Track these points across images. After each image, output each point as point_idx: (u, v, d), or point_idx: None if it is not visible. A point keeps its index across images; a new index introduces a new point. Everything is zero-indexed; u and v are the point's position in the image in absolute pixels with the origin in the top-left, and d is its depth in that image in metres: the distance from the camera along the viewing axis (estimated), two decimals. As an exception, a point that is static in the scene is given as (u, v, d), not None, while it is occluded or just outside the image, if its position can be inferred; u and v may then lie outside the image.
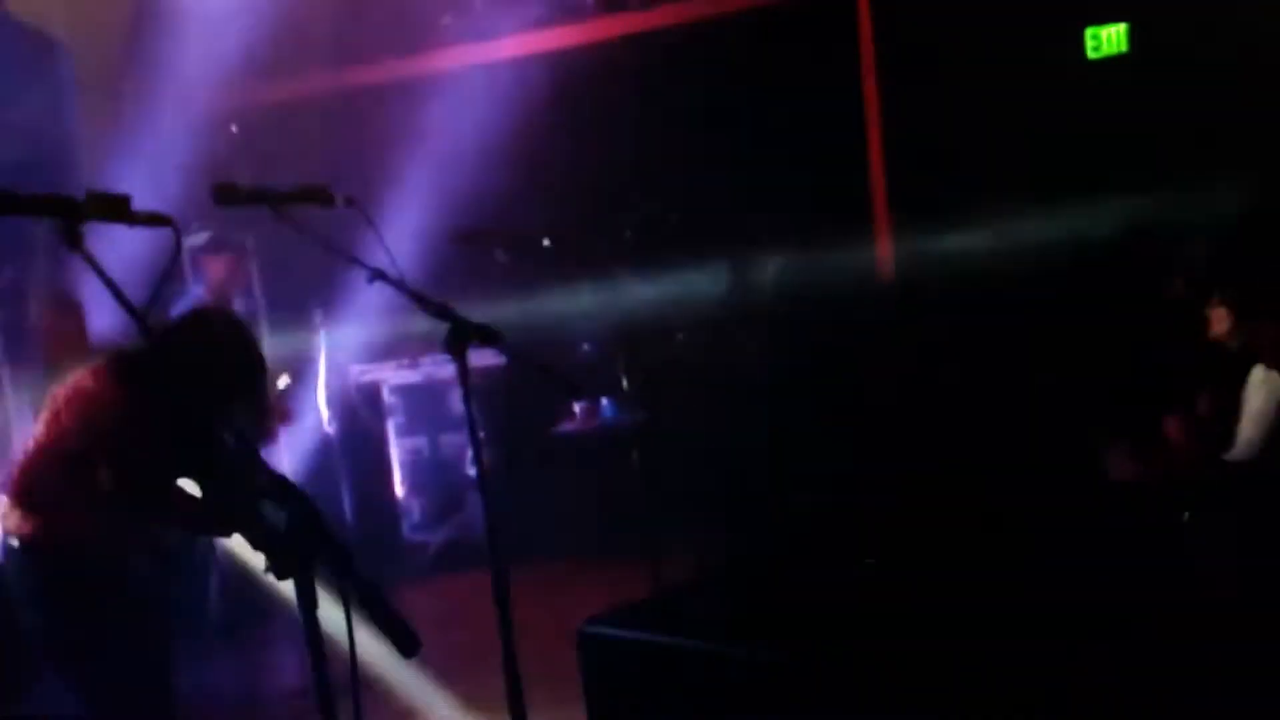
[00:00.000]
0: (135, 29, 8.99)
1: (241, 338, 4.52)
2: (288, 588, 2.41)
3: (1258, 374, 4.99)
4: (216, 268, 7.43)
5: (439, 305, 3.68)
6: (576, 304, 7.40)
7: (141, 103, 8.80)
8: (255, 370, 4.58)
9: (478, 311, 3.70)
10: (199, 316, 4.35)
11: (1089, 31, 8.18)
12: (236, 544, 7.05)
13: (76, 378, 4.44)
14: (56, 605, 4.36)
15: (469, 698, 6.02)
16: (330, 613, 2.39)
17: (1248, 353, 5.04)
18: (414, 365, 8.79)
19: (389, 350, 8.69)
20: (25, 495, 4.36)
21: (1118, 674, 2.74)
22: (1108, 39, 8.14)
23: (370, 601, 2.26)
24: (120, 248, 3.14)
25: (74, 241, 2.57)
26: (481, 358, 6.90)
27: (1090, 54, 8.23)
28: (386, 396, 8.91)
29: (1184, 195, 7.33)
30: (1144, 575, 3.05)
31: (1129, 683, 2.74)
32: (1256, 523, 3.70)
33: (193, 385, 3.83)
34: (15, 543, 4.37)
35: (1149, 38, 8.03)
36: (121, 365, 4.40)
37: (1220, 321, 5.09)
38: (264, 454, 2.51)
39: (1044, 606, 2.93)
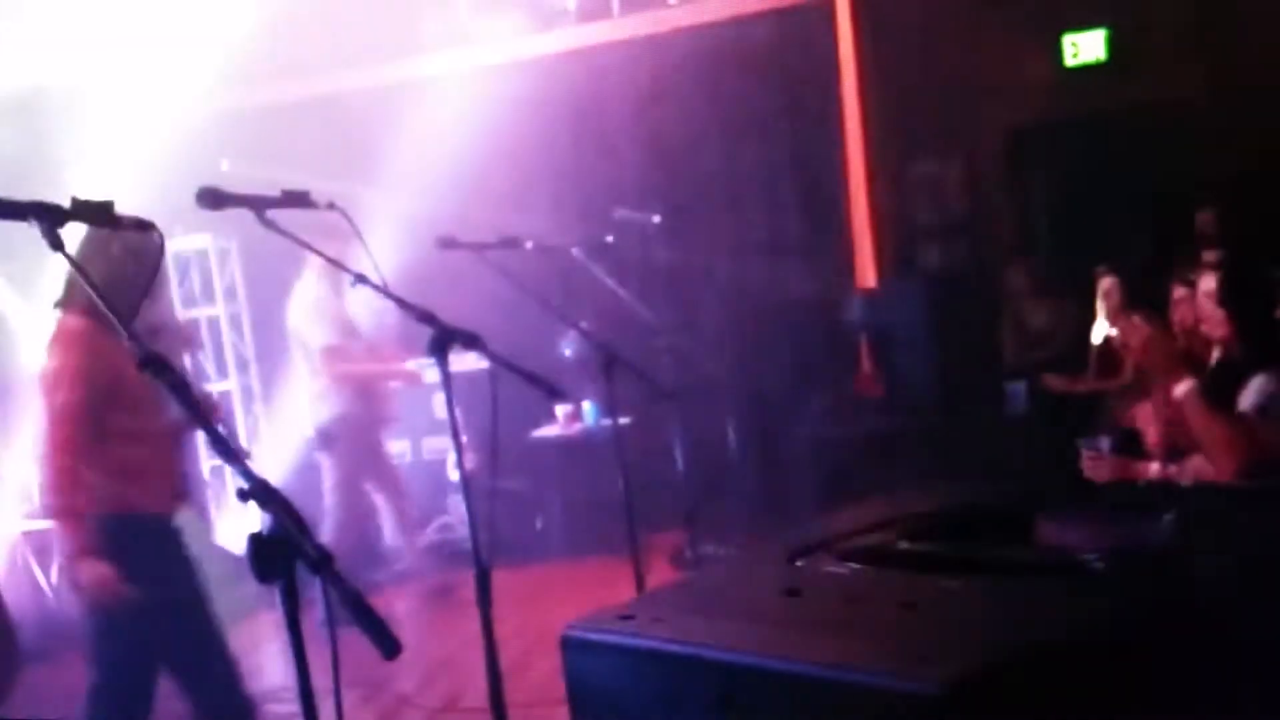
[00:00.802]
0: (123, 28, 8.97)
1: (133, 239, 4.51)
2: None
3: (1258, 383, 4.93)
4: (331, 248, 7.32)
5: (422, 309, 3.69)
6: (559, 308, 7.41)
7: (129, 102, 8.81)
8: (155, 263, 4.62)
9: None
10: (91, 236, 4.41)
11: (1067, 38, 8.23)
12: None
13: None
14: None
15: (451, 699, 6.03)
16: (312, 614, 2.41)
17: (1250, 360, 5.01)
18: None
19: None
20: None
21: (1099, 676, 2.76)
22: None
23: (351, 603, 2.27)
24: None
25: (57, 246, 2.59)
26: (464, 362, 6.92)
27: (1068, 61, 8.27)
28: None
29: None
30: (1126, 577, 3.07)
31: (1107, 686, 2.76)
32: (1239, 526, 3.73)
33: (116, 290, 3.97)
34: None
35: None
36: (76, 307, 4.52)
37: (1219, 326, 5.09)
38: (247, 460, 2.53)
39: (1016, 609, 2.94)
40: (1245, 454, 4.53)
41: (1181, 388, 4.54)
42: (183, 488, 4.86)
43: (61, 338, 4.52)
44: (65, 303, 4.58)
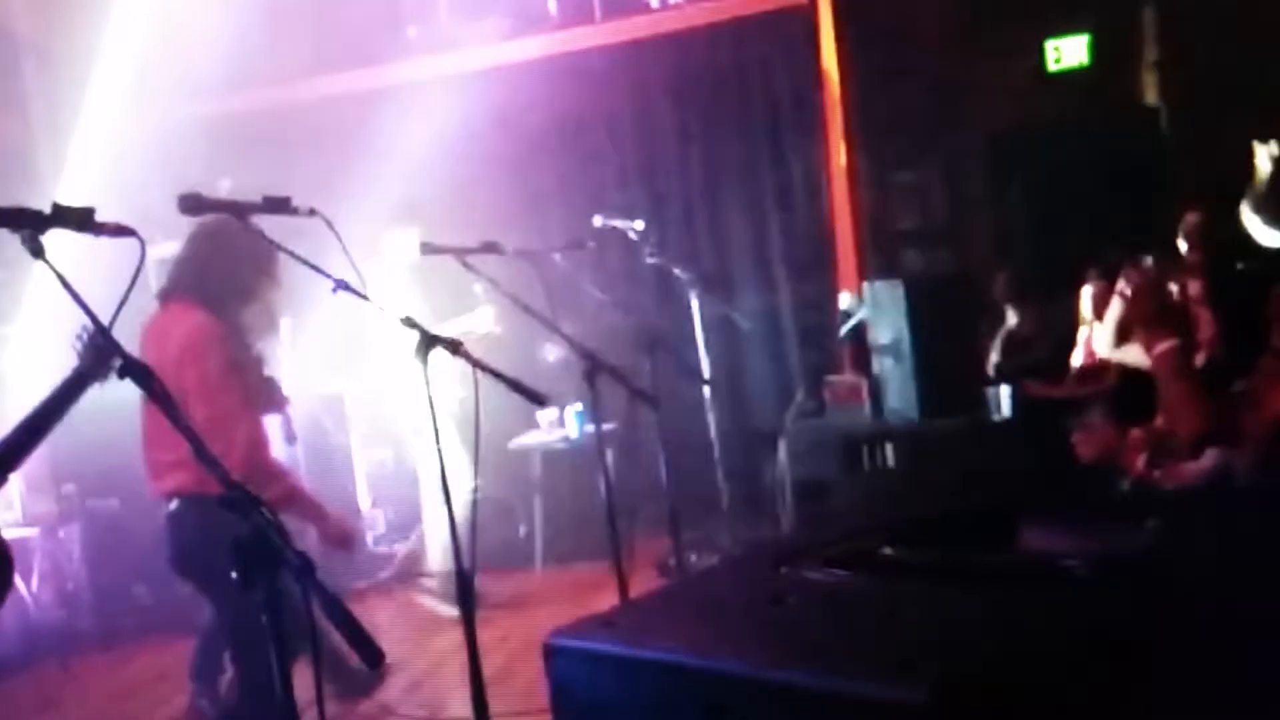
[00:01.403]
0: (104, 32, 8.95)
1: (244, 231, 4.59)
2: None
3: None
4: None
5: (404, 315, 3.68)
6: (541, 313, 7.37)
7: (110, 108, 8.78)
8: (271, 254, 4.64)
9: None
10: (202, 228, 4.54)
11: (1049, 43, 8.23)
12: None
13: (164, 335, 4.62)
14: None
15: (434, 707, 6.01)
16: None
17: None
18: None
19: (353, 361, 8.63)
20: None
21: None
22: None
23: (333, 612, 2.26)
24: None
25: (37, 252, 2.58)
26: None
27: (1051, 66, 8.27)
28: (350, 407, 8.87)
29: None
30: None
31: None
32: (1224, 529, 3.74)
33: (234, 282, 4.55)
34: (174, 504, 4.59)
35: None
36: (187, 297, 4.65)
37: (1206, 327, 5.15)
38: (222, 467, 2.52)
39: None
40: (1208, 423, 4.61)
41: (1161, 346, 4.62)
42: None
43: (206, 336, 4.57)
44: (174, 291, 4.72)
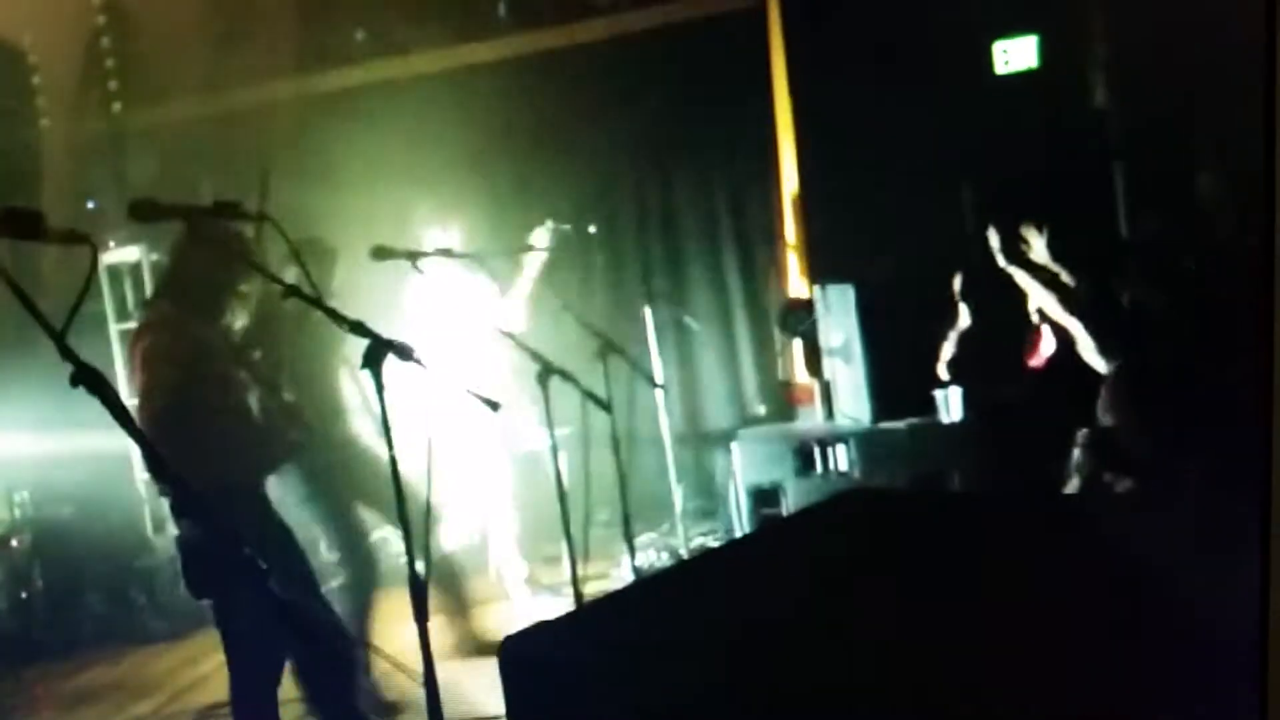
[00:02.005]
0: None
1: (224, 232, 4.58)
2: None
3: None
4: None
5: (354, 321, 3.65)
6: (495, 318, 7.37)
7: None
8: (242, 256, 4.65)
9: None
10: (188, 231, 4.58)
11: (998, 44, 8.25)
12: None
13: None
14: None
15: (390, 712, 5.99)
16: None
17: None
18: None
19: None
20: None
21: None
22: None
23: (290, 617, 2.26)
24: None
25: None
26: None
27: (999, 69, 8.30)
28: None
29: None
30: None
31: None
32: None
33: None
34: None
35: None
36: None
37: None
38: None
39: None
40: None
41: None
42: (268, 460, 4.88)
43: (150, 325, 4.61)
44: (157, 294, 4.82)
